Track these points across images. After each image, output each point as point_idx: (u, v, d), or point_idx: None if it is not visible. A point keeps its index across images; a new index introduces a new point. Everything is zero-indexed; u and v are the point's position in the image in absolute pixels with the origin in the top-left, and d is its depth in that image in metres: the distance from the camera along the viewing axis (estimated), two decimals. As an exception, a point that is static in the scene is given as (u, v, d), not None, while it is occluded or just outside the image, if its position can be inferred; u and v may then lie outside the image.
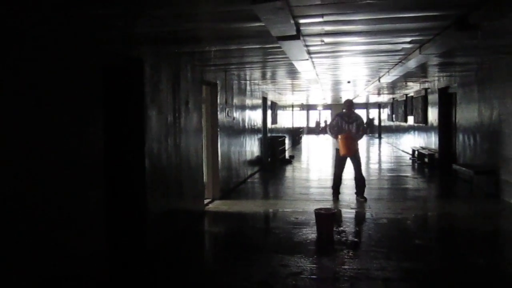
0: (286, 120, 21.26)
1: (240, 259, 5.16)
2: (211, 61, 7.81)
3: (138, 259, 5.14)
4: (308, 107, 36.91)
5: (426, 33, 5.68)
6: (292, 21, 4.37)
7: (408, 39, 6.15)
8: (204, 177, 8.32)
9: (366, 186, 8.59)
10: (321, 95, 21.81)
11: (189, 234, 6.43)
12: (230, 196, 9.06)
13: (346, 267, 4.80)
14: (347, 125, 8.43)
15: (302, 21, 4.77)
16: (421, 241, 5.91)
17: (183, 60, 6.84)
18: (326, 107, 37.21)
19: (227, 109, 9.43)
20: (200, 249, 6.00)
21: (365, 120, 36.08)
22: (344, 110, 8.74)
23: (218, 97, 8.86)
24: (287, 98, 21.22)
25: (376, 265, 4.81)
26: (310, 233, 6.19)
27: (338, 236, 6.00)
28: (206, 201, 8.27)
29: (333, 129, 8.56)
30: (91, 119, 4.11)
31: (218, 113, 8.81)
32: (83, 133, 3.97)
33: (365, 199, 8.31)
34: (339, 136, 8.30)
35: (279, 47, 5.83)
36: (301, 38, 5.40)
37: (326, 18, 4.62)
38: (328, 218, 6.06)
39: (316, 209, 6.26)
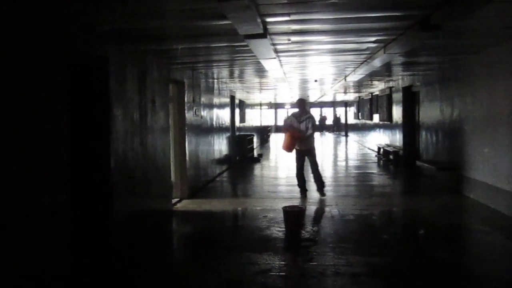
0: (254, 118, 21.30)
1: (209, 258, 5.14)
2: (178, 59, 7.73)
3: (105, 259, 5.05)
4: (276, 106, 37.07)
5: (390, 33, 5.80)
6: (259, 20, 4.38)
7: (373, 39, 6.27)
8: (172, 176, 8.24)
9: (335, 183, 8.74)
10: (289, 94, 21.96)
11: (157, 233, 6.36)
12: (198, 195, 9.01)
13: (314, 263, 4.86)
14: (299, 124, 8.56)
15: (269, 19, 4.79)
16: (387, 236, 6.05)
17: (150, 58, 6.74)
18: (294, 105, 37.47)
19: (194, 108, 9.36)
20: (169, 249, 5.94)
21: (317, 118, 36.65)
22: (296, 110, 8.87)
23: (186, 95, 8.78)
24: (255, 96, 21.26)
25: (343, 261, 4.89)
26: (279, 230, 6.22)
27: (306, 233, 6.07)
28: (174, 201, 8.19)
29: (285, 127, 8.79)
30: (52, 118, 4.00)
31: (186, 111, 8.73)
32: (43, 133, 3.85)
33: (324, 195, 8.51)
34: (284, 134, 8.56)
35: (247, 46, 5.84)
36: (268, 36, 5.42)
37: (292, 17, 4.66)
38: (295, 216, 6.11)
39: (284, 207, 6.30)
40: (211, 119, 11.19)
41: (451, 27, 5.07)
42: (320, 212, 7.34)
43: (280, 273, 4.66)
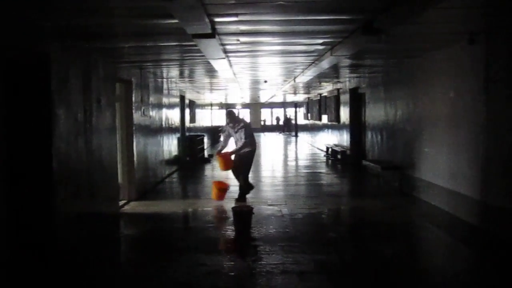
0: (205, 118, 21.18)
1: (157, 261, 5.05)
2: (125, 57, 7.56)
3: (48, 262, 4.84)
4: (227, 106, 37.04)
5: (336, 36, 5.95)
6: (207, 19, 4.37)
7: (320, 41, 6.41)
8: (119, 178, 8.04)
9: (285, 183, 8.79)
10: (240, 94, 22.02)
11: (104, 236, 6.17)
12: (147, 197, 8.84)
13: (263, 262, 4.90)
14: (235, 133, 8.35)
15: (217, 19, 4.78)
16: (334, 234, 6.20)
17: (95, 56, 6.55)
18: (245, 106, 37.62)
19: (143, 108, 9.18)
20: (115, 252, 5.78)
21: (282, 119, 37.04)
22: (228, 121, 8.50)
23: (134, 95, 8.59)
24: (206, 96, 21.15)
25: (291, 259, 4.96)
26: (228, 231, 6.22)
27: (256, 233, 6.10)
28: (121, 203, 8.00)
29: (224, 140, 8.59)
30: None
31: (134, 111, 8.54)
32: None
33: (242, 201, 8.07)
34: (217, 156, 8.41)
35: (196, 45, 5.80)
36: (217, 36, 5.41)
37: (240, 18, 4.68)
38: (244, 216, 6.13)
39: (233, 207, 6.31)
40: (160, 119, 11.02)
41: (394, 32, 5.27)
42: (270, 212, 7.40)
43: (229, 273, 4.66)
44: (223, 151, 8.44)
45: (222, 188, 8.25)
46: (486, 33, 5.73)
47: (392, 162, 9.62)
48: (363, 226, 6.77)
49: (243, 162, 8.27)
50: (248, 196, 8.45)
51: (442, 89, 7.24)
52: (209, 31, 4.80)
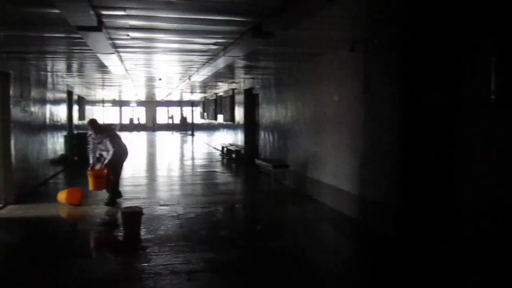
0: (95, 116, 20.09)
1: (35, 268, 4.68)
2: (1, 47, 6.91)
3: None
4: (121, 103, 35.65)
5: (228, 37, 6.04)
6: (92, 11, 4.16)
7: (213, 41, 6.45)
8: (-6, 179, 7.33)
9: (179, 182, 8.67)
10: (134, 91, 21.31)
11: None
12: (27, 200, 8.14)
13: (151, 264, 4.79)
14: (99, 145, 7.79)
15: (104, 12, 4.58)
16: (225, 232, 6.28)
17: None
18: (140, 103, 36.53)
19: (23, 103, 8.45)
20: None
21: (178, 118, 36.58)
22: (90, 132, 7.84)
23: (12, 89, 7.86)
24: (97, 93, 20.13)
25: (181, 259, 4.92)
26: (117, 233, 5.98)
27: (147, 234, 5.95)
28: (-4, 206, 7.30)
29: (91, 152, 7.92)
30: None
31: (11, 107, 7.82)
32: None
33: (111, 205, 7.68)
34: (88, 172, 7.80)
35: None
36: (104, 30, 5.17)
37: (128, 12, 4.53)
38: (133, 217, 5.94)
39: (122, 208, 6.09)
40: (44, 116, 10.24)
41: (283, 36, 5.49)
42: (162, 212, 7.26)
43: (115, 278, 4.48)
44: (96, 167, 7.81)
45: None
46: (365, 42, 6.21)
47: (283, 161, 10.01)
48: (253, 223, 6.95)
49: (113, 169, 7.79)
50: (140, 196, 8.18)
51: (328, 92, 7.70)
52: (95, 23, 4.58)
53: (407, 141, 5.39)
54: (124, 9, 4.39)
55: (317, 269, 4.84)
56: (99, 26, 4.77)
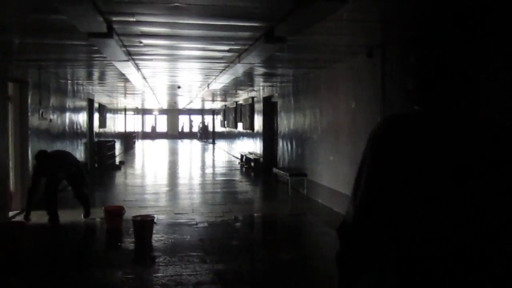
0: (117, 124, 20.31)
1: (48, 276, 4.64)
2: (19, 55, 6.99)
3: None
4: (143, 112, 36.03)
5: (241, 43, 5.93)
6: (100, 18, 4.12)
7: (227, 48, 6.35)
8: (11, 186, 7.39)
9: (195, 191, 8.58)
10: (155, 100, 21.46)
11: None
12: (43, 207, 8.15)
13: (159, 274, 4.68)
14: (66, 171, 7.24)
15: (114, 18, 4.54)
16: (237, 242, 6.13)
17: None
18: (162, 112, 36.83)
19: (41, 110, 8.53)
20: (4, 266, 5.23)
21: (199, 126, 36.62)
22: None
23: (30, 96, 7.95)
24: (119, 101, 20.34)
25: (189, 270, 4.80)
26: (129, 241, 5.92)
27: (159, 243, 5.86)
28: (13, 213, 7.33)
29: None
30: None
31: (30, 114, 7.90)
32: None
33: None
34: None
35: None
36: (116, 37, 5.14)
37: (138, 18, 4.47)
38: (145, 226, 5.86)
39: (133, 217, 6.02)
40: (63, 123, 10.34)
41: (296, 41, 5.36)
42: (175, 221, 7.17)
43: None
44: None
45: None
46: (382, 47, 6.02)
47: (300, 170, 9.82)
48: (267, 232, 6.81)
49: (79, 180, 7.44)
50: (153, 205, 8.12)
51: (344, 100, 7.52)
52: (105, 30, 4.54)
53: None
54: (133, 15, 4.34)
55: (331, 281, 4.64)
56: (110, 33, 4.73)
